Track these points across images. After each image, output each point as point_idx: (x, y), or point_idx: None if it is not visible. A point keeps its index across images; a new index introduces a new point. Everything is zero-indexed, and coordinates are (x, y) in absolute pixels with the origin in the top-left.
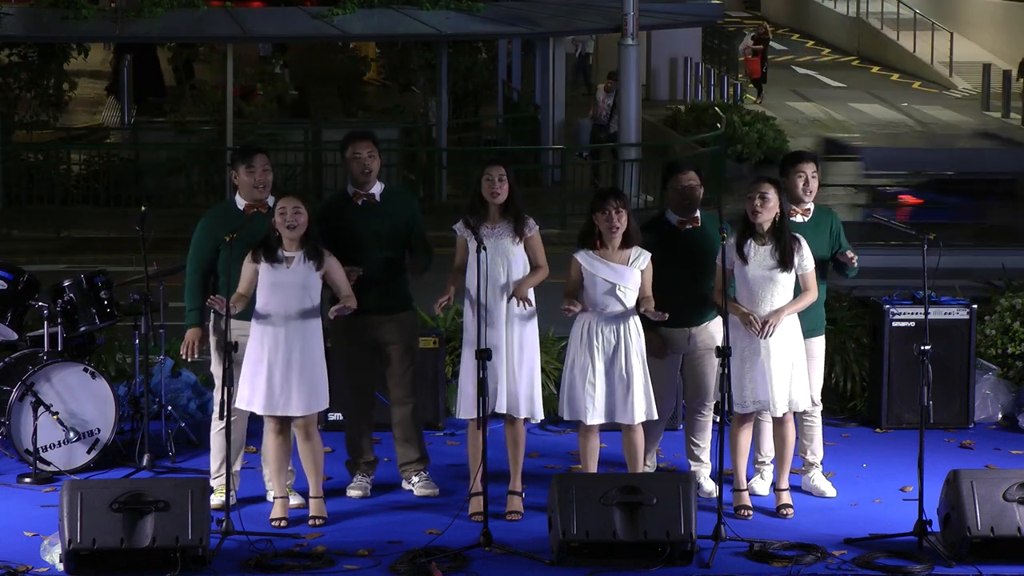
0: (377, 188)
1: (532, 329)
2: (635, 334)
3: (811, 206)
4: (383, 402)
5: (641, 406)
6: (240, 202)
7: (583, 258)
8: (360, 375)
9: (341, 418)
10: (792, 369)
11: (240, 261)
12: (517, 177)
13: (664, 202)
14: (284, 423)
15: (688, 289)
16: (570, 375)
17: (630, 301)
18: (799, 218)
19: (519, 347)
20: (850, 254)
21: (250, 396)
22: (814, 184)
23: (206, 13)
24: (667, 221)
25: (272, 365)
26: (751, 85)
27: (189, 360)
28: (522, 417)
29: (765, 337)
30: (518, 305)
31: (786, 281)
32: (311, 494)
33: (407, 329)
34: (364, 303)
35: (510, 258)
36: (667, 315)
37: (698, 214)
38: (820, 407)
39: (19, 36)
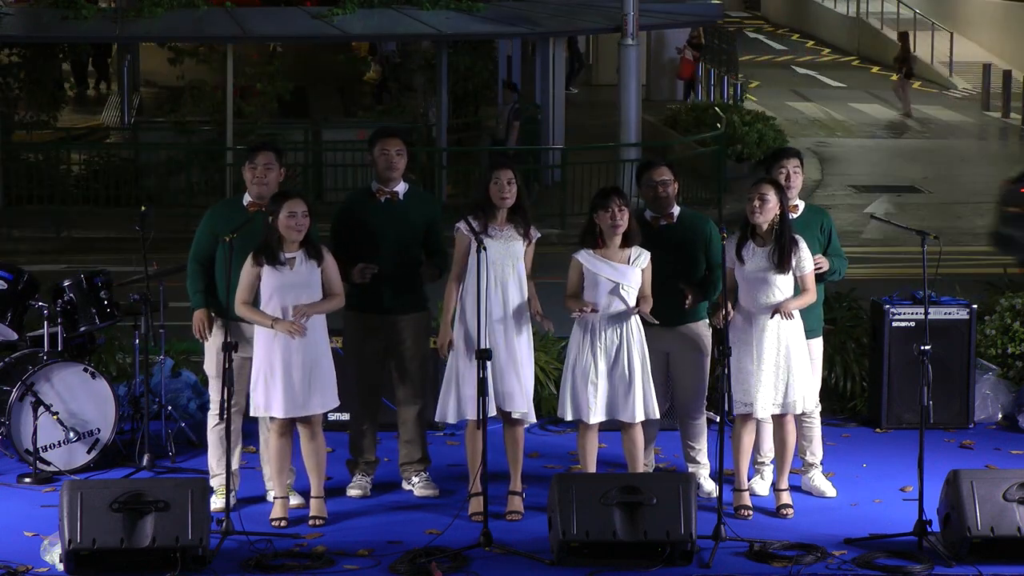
0: (401, 187)
1: (529, 330)
2: (636, 333)
3: (800, 203)
4: (390, 407)
5: (642, 405)
6: (246, 198)
7: (584, 258)
8: (370, 375)
9: (341, 418)
10: (787, 371)
11: (239, 258)
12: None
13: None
14: (289, 424)
15: (664, 287)
16: (572, 375)
17: (632, 300)
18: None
19: (519, 347)
20: (819, 260)
21: (267, 402)
22: (796, 180)
23: (206, 13)
24: (643, 219)
25: (288, 367)
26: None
27: (204, 341)
28: (520, 411)
29: (786, 316)
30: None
31: (782, 283)
32: (312, 494)
33: (421, 329)
34: (380, 301)
35: (519, 260)
36: (657, 321)
37: (675, 211)
38: (819, 408)
39: (19, 36)
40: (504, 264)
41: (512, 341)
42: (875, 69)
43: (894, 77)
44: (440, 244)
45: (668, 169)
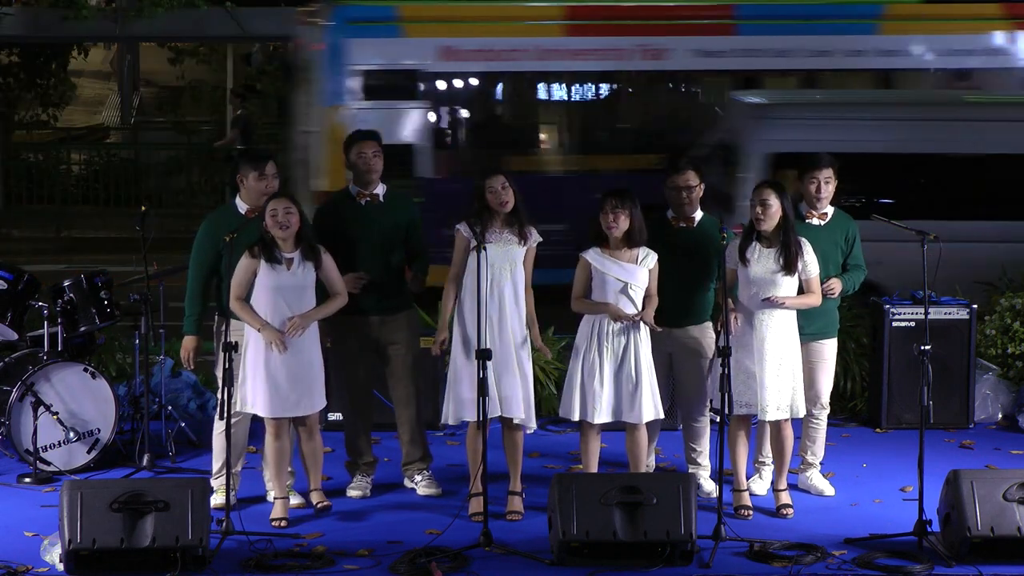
0: (380, 188)
1: (526, 335)
2: (643, 333)
3: (829, 210)
4: (384, 403)
5: (649, 405)
6: (242, 206)
7: (593, 257)
8: (359, 375)
9: (340, 418)
10: (783, 373)
11: (236, 259)
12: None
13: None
14: (284, 424)
15: (672, 289)
16: (578, 374)
17: (639, 300)
18: (816, 221)
19: (517, 352)
20: (830, 284)
21: (253, 398)
22: (827, 189)
23: (206, 13)
24: (664, 217)
25: (274, 367)
26: None
27: (189, 368)
28: (518, 418)
29: (775, 301)
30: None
31: (788, 284)
32: (311, 486)
33: (408, 328)
34: (365, 303)
35: (516, 264)
36: (659, 328)
37: (698, 215)
38: (827, 410)
39: (19, 36)
40: (502, 268)
41: (509, 346)
42: None
43: None
44: (421, 245)
45: (695, 174)
